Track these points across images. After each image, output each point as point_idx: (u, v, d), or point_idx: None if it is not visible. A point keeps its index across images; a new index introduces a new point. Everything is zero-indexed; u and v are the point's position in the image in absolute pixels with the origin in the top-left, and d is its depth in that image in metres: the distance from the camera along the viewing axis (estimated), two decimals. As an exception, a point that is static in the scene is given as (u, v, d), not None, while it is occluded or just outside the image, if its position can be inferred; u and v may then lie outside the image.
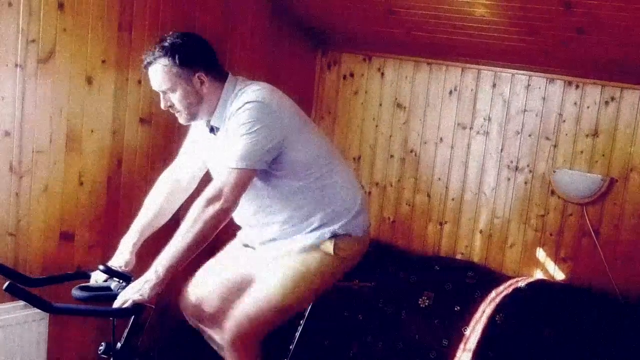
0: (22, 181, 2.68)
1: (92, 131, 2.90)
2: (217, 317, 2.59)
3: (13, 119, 2.62)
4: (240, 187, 2.26)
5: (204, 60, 2.34)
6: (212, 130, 2.44)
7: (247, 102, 2.26)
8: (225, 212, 2.25)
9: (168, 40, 2.31)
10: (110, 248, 2.59)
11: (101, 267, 2.41)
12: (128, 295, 2.22)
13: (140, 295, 2.20)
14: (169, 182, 2.60)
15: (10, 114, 2.61)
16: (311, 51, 4.20)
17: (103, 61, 2.88)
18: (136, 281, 2.25)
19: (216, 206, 2.22)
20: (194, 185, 2.64)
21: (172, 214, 2.61)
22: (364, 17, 3.61)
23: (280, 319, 2.46)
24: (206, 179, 2.58)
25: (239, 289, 2.54)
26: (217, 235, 2.30)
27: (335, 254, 2.44)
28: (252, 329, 2.42)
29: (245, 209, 2.47)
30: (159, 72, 2.30)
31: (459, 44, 3.57)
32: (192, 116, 2.40)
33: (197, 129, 2.58)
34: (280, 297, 2.40)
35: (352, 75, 4.17)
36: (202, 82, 2.33)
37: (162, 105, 2.39)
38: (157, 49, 2.30)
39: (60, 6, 2.68)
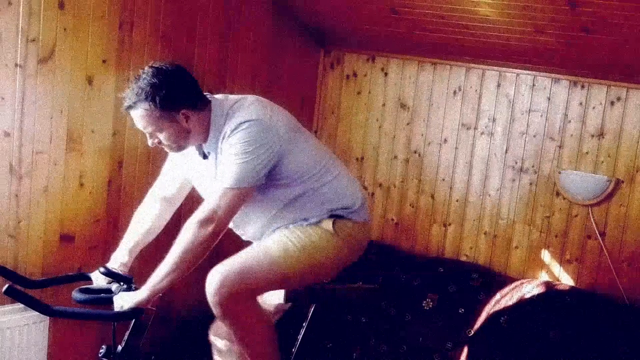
0: (22, 182, 2.67)
1: (92, 132, 2.88)
2: None
3: (13, 119, 2.61)
4: (235, 207, 2.26)
5: (186, 98, 2.28)
6: (205, 156, 2.41)
7: (241, 123, 2.24)
8: (217, 234, 2.24)
9: (145, 81, 2.22)
10: (111, 250, 2.58)
11: (101, 269, 2.41)
12: (116, 303, 2.26)
13: (121, 307, 2.24)
14: (157, 199, 2.59)
15: (10, 114, 2.60)
16: (314, 51, 4.18)
17: (104, 61, 2.87)
18: (130, 292, 2.27)
19: (208, 229, 2.21)
20: (182, 198, 2.64)
21: (161, 229, 2.61)
22: (368, 17, 3.60)
23: (272, 283, 2.36)
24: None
25: None
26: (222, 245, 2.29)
27: (336, 233, 2.40)
28: (241, 283, 2.27)
29: (242, 218, 2.47)
30: (141, 117, 2.25)
31: (463, 43, 3.55)
32: (181, 148, 2.37)
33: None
34: (277, 254, 2.33)
35: (355, 75, 4.15)
36: (187, 118, 2.28)
37: (150, 144, 2.34)
38: (136, 92, 2.22)
39: (61, 5, 2.66)
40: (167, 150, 2.41)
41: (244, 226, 2.52)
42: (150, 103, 2.21)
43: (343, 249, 2.45)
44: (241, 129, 2.23)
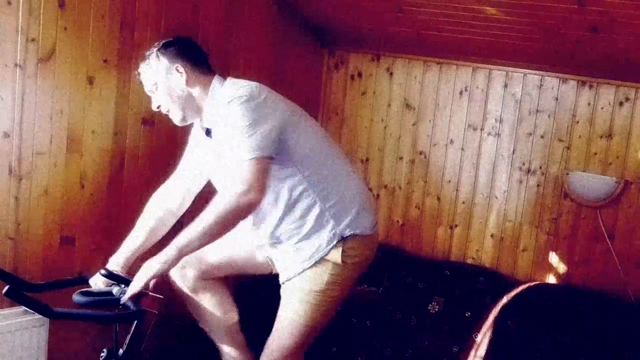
0: (21, 184, 2.65)
1: (93, 132, 2.86)
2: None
3: (12, 120, 2.59)
4: (263, 177, 2.24)
5: (181, 53, 2.39)
6: (208, 133, 2.44)
7: (237, 97, 2.26)
8: (254, 205, 2.23)
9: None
10: (112, 252, 2.57)
11: (102, 271, 2.39)
12: (141, 272, 2.25)
13: (152, 272, 2.23)
14: (160, 207, 2.61)
15: (10, 115, 2.58)
16: (318, 51, 4.15)
17: (105, 61, 2.85)
18: (155, 257, 2.26)
19: (249, 197, 2.20)
20: (185, 207, 2.65)
21: (162, 235, 2.61)
22: (373, 16, 3.57)
23: (312, 338, 2.52)
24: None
25: None
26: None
27: (344, 263, 2.40)
28: (289, 357, 2.48)
29: (257, 220, 2.47)
30: (144, 75, 2.43)
31: (469, 43, 3.52)
32: (182, 116, 2.41)
33: (195, 139, 2.58)
34: (307, 324, 2.44)
35: (360, 75, 4.12)
36: (181, 74, 2.36)
37: (153, 107, 2.43)
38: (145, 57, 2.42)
39: (61, 4, 2.65)
40: (172, 118, 2.43)
41: (257, 224, 2.50)
42: (150, 58, 2.38)
43: (355, 273, 2.50)
44: (233, 106, 2.25)
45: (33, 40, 2.58)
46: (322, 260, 2.41)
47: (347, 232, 2.41)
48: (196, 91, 2.38)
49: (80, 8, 2.71)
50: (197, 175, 2.61)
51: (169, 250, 2.23)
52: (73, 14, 2.69)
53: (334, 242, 2.39)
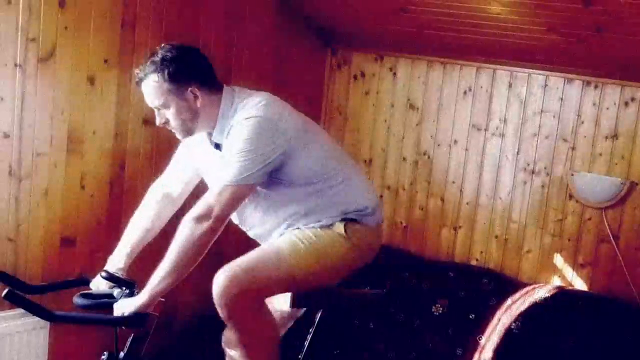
0: (21, 185, 2.65)
1: (94, 133, 2.86)
2: None
3: (12, 120, 2.59)
4: (232, 204, 2.22)
5: (196, 74, 2.28)
6: (217, 146, 2.37)
7: (246, 118, 2.21)
8: (214, 231, 2.20)
9: (159, 55, 2.25)
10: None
11: (103, 273, 2.38)
12: (116, 311, 2.23)
13: (121, 314, 2.22)
14: (158, 196, 2.56)
15: (10, 115, 2.59)
16: (321, 50, 4.13)
17: (105, 60, 2.84)
18: (129, 299, 2.24)
19: (204, 225, 2.17)
20: (185, 198, 2.59)
21: (161, 228, 2.56)
22: (376, 15, 3.56)
23: (280, 283, 2.29)
24: (195, 191, 2.54)
25: None
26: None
27: (347, 236, 2.35)
28: (249, 282, 2.20)
29: (252, 217, 2.43)
30: (150, 89, 2.27)
31: (473, 42, 3.50)
32: (189, 132, 2.36)
33: (195, 141, 2.51)
34: (287, 253, 2.28)
35: (363, 75, 4.09)
36: (195, 97, 2.27)
37: (157, 122, 2.34)
38: (148, 64, 2.25)
39: (61, 3, 2.64)
40: (176, 135, 2.37)
41: (251, 224, 2.48)
42: (159, 74, 2.22)
43: (353, 252, 2.40)
44: (245, 124, 2.20)
45: (33, 40, 2.57)
46: (325, 227, 2.35)
47: (352, 217, 2.38)
48: (209, 110, 2.30)
49: (80, 8, 2.71)
50: (192, 174, 2.56)
51: (144, 294, 2.20)
52: (73, 13, 2.68)
53: (338, 218, 2.36)
